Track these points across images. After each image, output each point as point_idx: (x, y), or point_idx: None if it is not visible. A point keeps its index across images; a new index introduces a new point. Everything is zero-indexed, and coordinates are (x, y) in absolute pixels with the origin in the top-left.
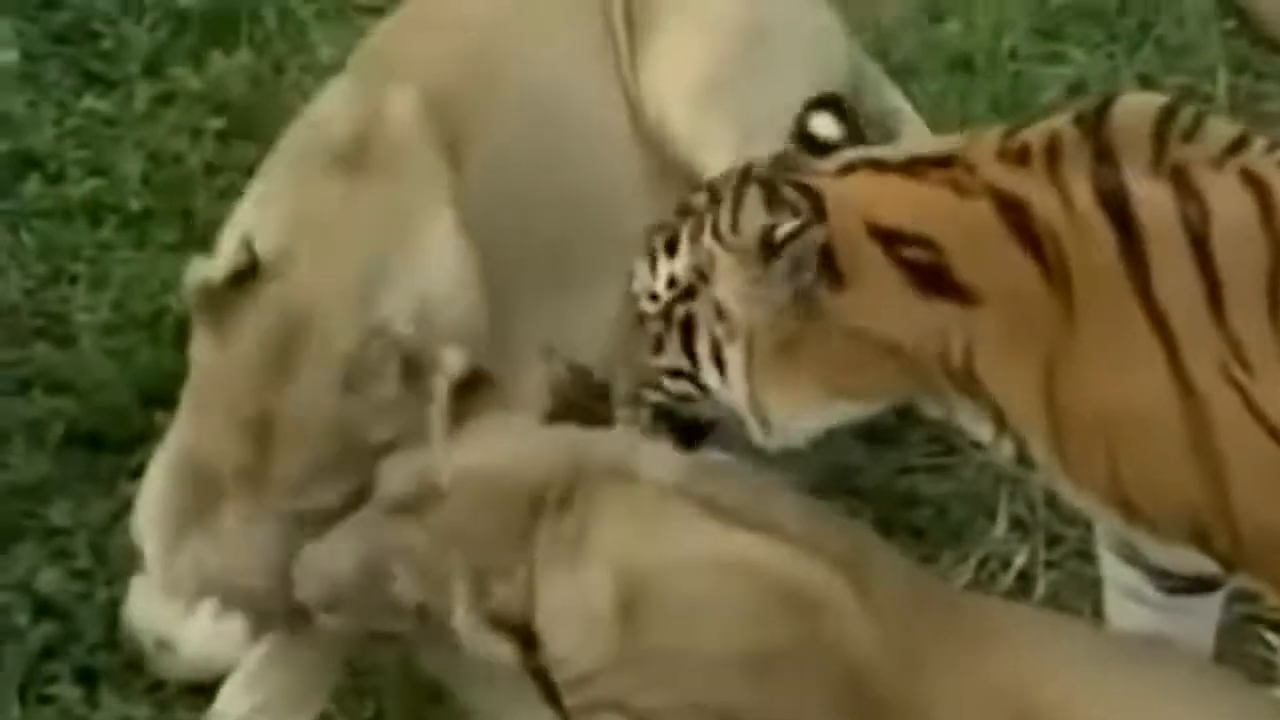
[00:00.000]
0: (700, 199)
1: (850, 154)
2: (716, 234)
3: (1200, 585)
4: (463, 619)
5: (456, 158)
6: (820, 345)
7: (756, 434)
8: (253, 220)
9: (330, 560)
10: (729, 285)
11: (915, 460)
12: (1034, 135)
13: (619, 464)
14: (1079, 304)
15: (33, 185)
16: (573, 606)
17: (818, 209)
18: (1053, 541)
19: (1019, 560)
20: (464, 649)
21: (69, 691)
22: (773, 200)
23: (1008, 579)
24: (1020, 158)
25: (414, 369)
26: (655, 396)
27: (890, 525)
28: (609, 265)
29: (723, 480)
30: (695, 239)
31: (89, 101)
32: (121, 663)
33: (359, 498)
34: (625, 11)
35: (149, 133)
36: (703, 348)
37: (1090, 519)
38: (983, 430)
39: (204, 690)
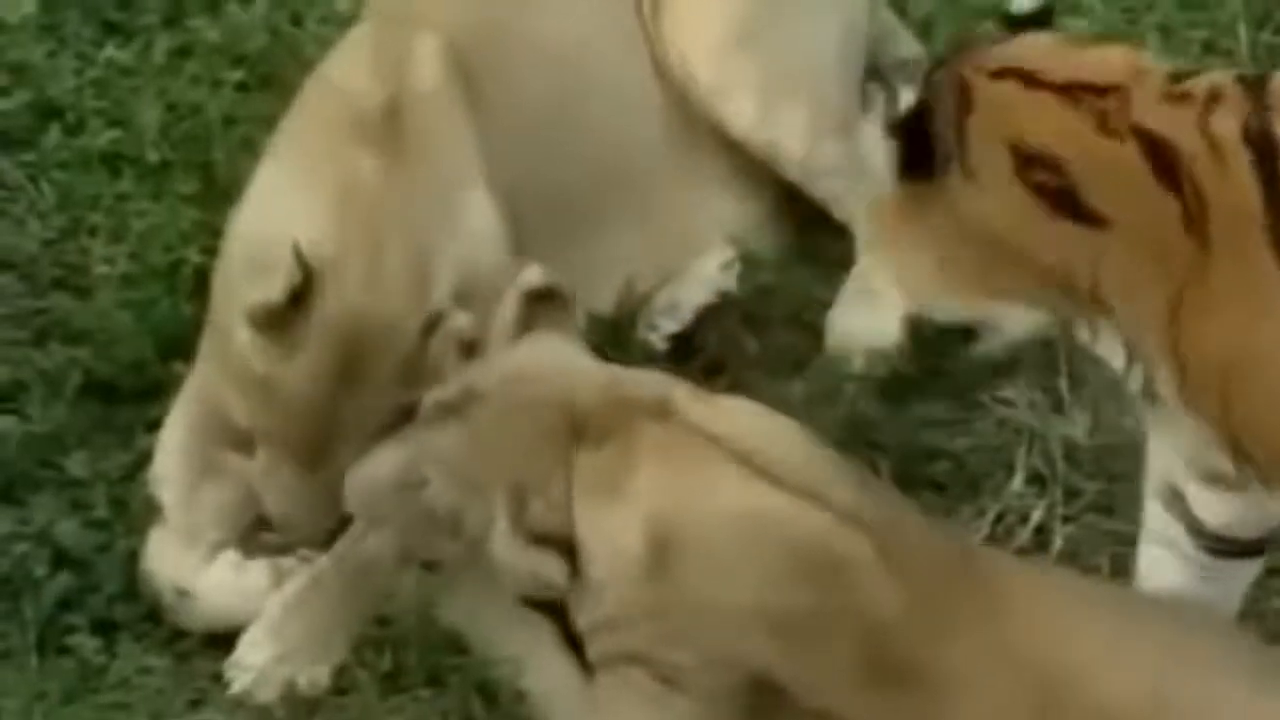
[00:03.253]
0: None
1: (1013, 50)
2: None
3: (1247, 550)
4: (502, 532)
5: (478, 102)
6: (956, 237)
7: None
8: (296, 207)
9: (373, 469)
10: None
11: (934, 414)
12: (1197, 85)
13: (663, 405)
14: (1214, 246)
15: (53, 136)
16: (605, 544)
17: (964, 101)
18: (1071, 496)
19: (1036, 515)
20: (501, 574)
21: (87, 642)
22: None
23: (1025, 533)
24: (1179, 101)
25: (472, 351)
26: None
27: (908, 479)
28: (627, 212)
29: (767, 437)
30: None
31: (109, 52)
32: (140, 613)
33: None
34: None
35: (168, 84)
36: None
37: (1111, 472)
38: (1116, 359)
39: (223, 642)
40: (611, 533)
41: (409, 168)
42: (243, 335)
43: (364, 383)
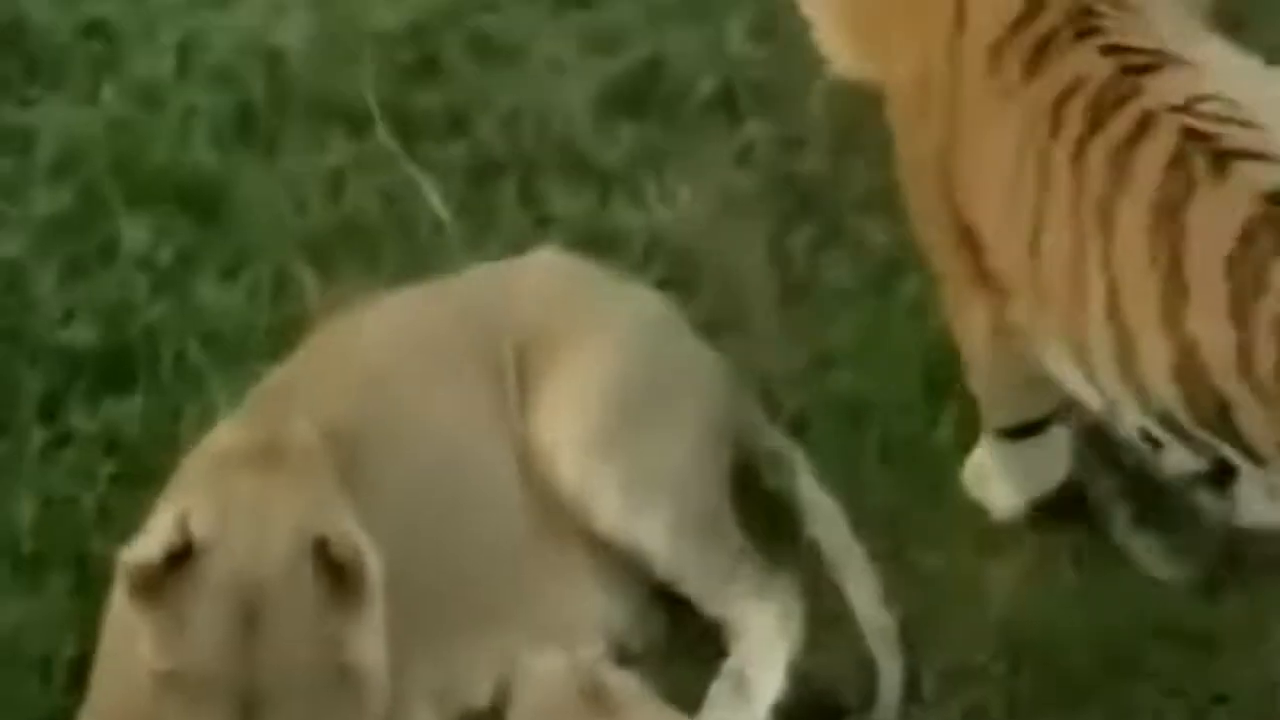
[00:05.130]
0: None
1: None
2: None
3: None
4: None
5: (352, 491)
6: None
7: None
8: (176, 509)
9: None
10: None
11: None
12: None
13: None
14: None
15: None
16: None
17: None
18: None
19: None
20: None
21: None
22: None
23: None
24: None
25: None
26: None
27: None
28: (500, 608)
29: None
30: None
31: None
32: None
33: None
34: (517, 360)
35: (44, 475)
36: None
37: None
38: None
39: None
40: None
41: (289, 480)
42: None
43: (274, 644)
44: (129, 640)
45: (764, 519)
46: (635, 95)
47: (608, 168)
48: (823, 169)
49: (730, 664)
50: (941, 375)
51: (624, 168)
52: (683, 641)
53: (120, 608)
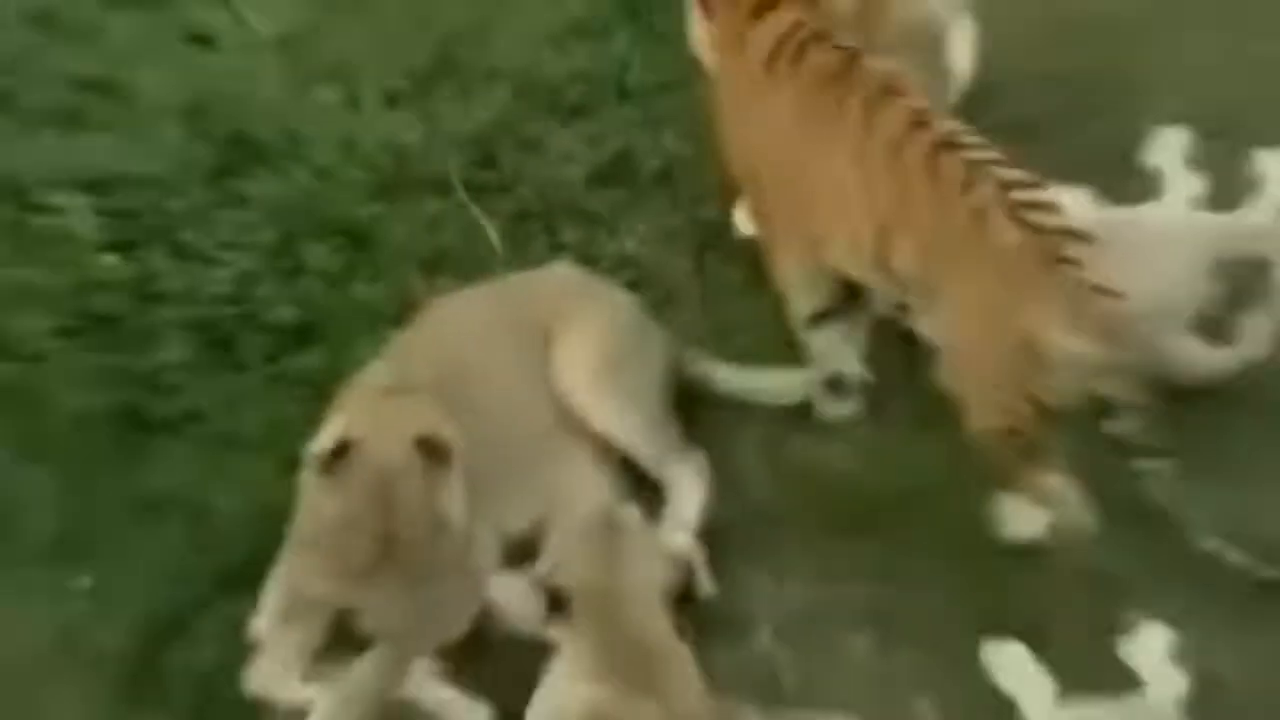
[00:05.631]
0: None
1: None
2: None
3: None
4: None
5: (443, 405)
6: None
7: None
8: (340, 420)
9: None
10: None
11: None
12: None
13: None
14: None
15: None
16: None
17: None
18: None
19: None
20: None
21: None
22: None
23: None
24: None
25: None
26: None
27: None
28: (531, 477)
29: None
30: None
31: None
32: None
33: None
34: (544, 329)
35: (266, 400)
36: None
37: None
38: None
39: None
40: None
41: (404, 399)
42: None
43: (398, 510)
44: (314, 497)
45: (686, 419)
46: (612, 172)
47: (596, 215)
48: (723, 215)
49: (668, 508)
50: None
51: (606, 215)
52: (656, 502)
53: (308, 480)
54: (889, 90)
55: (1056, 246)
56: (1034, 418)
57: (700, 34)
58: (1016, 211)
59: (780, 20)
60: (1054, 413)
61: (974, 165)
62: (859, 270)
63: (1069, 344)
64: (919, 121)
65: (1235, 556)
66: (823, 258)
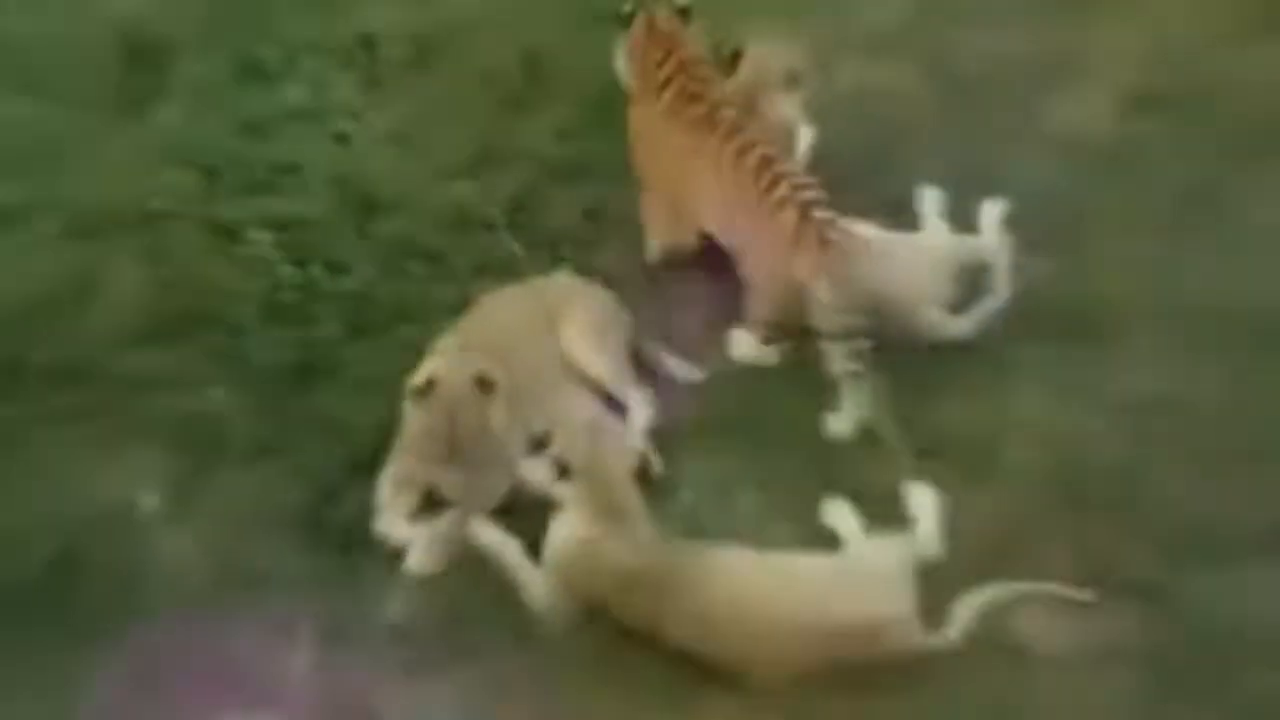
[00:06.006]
0: None
1: None
2: None
3: None
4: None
5: (493, 357)
6: None
7: None
8: (428, 366)
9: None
10: None
11: None
12: None
13: None
14: None
15: None
16: None
17: None
18: None
19: None
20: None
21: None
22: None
23: None
24: None
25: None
26: None
27: None
28: (546, 403)
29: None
30: None
31: None
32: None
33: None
34: (554, 313)
35: (355, 361)
36: None
37: None
38: None
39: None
40: None
41: (466, 354)
42: (407, 406)
43: (461, 424)
44: (410, 415)
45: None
46: (593, 217)
47: (585, 242)
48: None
49: (629, 417)
50: None
51: (591, 242)
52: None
53: (407, 405)
54: (734, 129)
55: (821, 228)
56: (797, 328)
57: (623, 71)
58: (802, 205)
59: (673, 88)
60: (809, 329)
61: (780, 174)
62: (715, 233)
63: (821, 290)
64: (748, 146)
65: (897, 440)
66: (686, 226)
